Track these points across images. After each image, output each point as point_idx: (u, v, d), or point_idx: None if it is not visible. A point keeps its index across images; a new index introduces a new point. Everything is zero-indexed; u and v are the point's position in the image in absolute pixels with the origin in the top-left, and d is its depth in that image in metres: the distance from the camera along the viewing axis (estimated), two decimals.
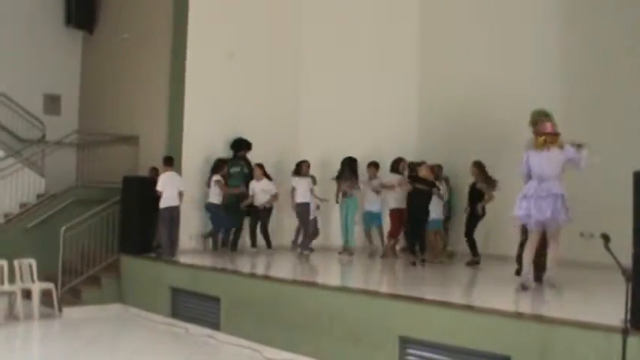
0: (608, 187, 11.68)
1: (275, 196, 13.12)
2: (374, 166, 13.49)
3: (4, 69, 14.98)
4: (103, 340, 10.09)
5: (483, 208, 11.84)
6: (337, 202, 13.51)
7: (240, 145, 13.72)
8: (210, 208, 13.01)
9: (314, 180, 13.51)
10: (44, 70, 15.92)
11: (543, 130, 8.92)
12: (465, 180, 12.80)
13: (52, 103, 16.32)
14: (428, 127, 14.92)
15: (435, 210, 12.51)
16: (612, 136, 12.13)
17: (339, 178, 13.39)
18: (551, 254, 8.96)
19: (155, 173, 12.83)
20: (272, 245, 13.16)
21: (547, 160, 8.78)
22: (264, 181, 13.12)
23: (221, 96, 13.55)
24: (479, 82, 14.01)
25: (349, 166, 13.32)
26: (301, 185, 13.05)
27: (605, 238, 5.24)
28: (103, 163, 14.14)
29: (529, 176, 8.90)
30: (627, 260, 5.70)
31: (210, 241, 13.40)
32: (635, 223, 6.08)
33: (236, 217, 13.30)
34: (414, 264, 11.74)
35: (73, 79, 16.79)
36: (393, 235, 13.11)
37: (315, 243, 13.60)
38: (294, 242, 13.90)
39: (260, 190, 13.04)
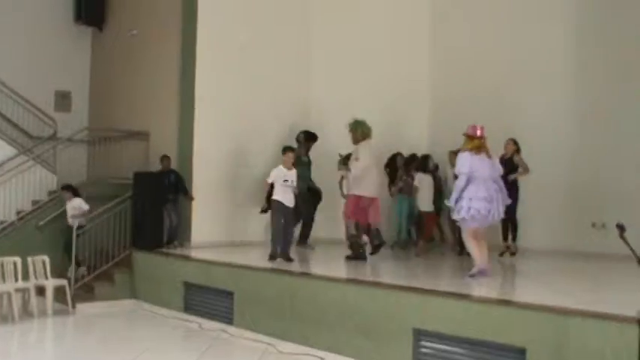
0: (619, 177, 11.69)
1: (85, 213, 12.47)
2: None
3: (15, 67, 14.95)
4: (116, 336, 10.09)
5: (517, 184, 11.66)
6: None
7: (307, 137, 13.55)
8: None
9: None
10: (54, 68, 15.94)
11: (475, 134, 9.36)
12: None
13: (63, 100, 16.35)
14: (439, 108, 15.00)
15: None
16: (623, 123, 12.14)
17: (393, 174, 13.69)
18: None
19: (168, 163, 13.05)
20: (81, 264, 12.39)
21: (485, 164, 9.24)
22: (77, 200, 12.72)
23: (232, 89, 13.54)
24: (490, 60, 14.08)
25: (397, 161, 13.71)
26: None
27: (621, 228, 5.22)
28: (114, 159, 14.17)
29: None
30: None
31: None
32: None
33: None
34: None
35: (83, 76, 16.83)
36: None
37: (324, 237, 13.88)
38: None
39: (71, 208, 12.64)
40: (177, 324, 10.78)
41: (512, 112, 13.41)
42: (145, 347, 9.21)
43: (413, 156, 13.67)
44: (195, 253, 12.16)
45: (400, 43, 15.18)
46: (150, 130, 14.14)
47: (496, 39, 14.08)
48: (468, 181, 9.07)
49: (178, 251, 12.44)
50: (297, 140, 13.42)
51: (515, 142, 11.91)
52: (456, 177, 9.64)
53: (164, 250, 12.49)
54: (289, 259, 10.89)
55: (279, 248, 10.89)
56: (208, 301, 10.77)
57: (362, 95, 14.50)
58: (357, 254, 11.14)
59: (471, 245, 9.32)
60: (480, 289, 8.61)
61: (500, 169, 9.51)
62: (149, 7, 14.80)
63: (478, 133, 9.36)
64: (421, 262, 11.55)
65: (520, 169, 11.67)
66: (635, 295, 5.18)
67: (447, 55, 15.10)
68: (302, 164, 12.78)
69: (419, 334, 7.57)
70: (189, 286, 11.22)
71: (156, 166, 13.24)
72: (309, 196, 13.08)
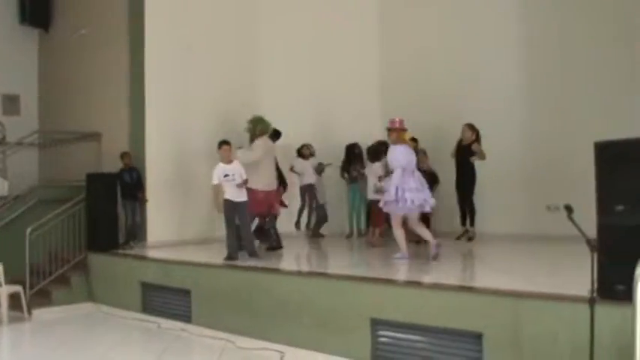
0: (570, 160, 11.82)
1: None
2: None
3: None
4: (74, 340, 9.93)
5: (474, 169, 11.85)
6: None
7: (270, 135, 12.50)
8: None
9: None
10: (1, 71, 15.64)
11: (394, 126, 9.96)
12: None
13: (11, 103, 16.04)
14: (389, 104, 14.96)
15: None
16: (573, 107, 12.29)
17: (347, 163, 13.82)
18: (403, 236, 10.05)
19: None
20: None
21: (410, 154, 9.89)
22: None
23: (182, 89, 13.45)
24: (441, 52, 14.27)
25: (354, 151, 13.82)
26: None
27: (568, 209, 5.27)
28: (66, 161, 14.04)
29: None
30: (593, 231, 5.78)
31: None
32: (598, 194, 6.12)
33: None
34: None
35: (31, 79, 16.53)
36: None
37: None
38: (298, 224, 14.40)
39: None
40: (136, 325, 10.69)
41: (465, 102, 13.51)
42: (104, 350, 9.12)
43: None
44: (151, 253, 12.09)
45: (349, 40, 15.26)
46: (101, 131, 13.95)
47: (446, 31, 14.28)
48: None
49: (134, 251, 12.36)
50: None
51: (472, 128, 12.02)
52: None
53: (120, 251, 12.40)
54: (254, 255, 10.72)
55: (245, 247, 10.73)
56: (166, 300, 10.70)
57: (311, 93, 14.57)
58: (274, 243, 11.73)
59: (399, 233, 9.89)
60: (436, 275, 8.65)
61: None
62: (95, 7, 14.61)
63: (397, 125, 9.92)
64: (376, 252, 11.55)
65: (476, 156, 11.74)
66: (586, 275, 5.21)
67: (396, 49, 15.21)
68: None
69: (377, 324, 7.59)
70: (146, 286, 11.14)
71: (108, 167, 13.10)
72: None
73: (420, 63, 14.59)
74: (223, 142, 10.84)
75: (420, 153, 12.85)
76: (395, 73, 15.12)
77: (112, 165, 13.01)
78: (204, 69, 13.86)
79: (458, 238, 11.96)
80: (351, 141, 13.99)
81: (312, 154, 14.32)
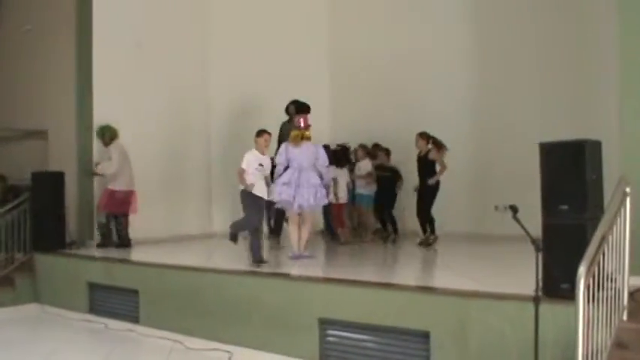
0: (518, 160, 11.96)
1: None
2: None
3: None
4: (18, 342, 9.73)
5: (438, 181, 11.55)
6: None
7: (299, 109, 11.91)
8: None
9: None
10: None
11: (297, 126, 10.32)
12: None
13: None
14: (340, 102, 15.18)
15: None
16: (520, 109, 12.46)
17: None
18: (307, 233, 10.43)
19: None
20: None
21: (305, 154, 10.16)
22: None
23: (131, 86, 13.29)
24: (388, 56, 14.34)
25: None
26: None
27: (513, 209, 5.34)
28: (11, 159, 13.76)
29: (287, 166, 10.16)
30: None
31: None
32: (543, 194, 6.21)
33: None
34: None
35: None
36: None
37: None
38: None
39: None
40: (82, 326, 10.55)
41: (414, 104, 13.66)
42: (49, 352, 8.97)
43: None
44: (97, 253, 11.94)
45: (299, 38, 15.29)
46: (48, 129, 13.71)
47: (394, 32, 14.31)
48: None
49: (81, 251, 12.17)
50: (287, 112, 12.32)
51: (423, 136, 11.62)
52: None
53: (66, 251, 12.19)
54: (263, 261, 9.76)
55: (255, 251, 9.82)
56: (113, 300, 10.58)
57: (262, 88, 14.53)
58: (105, 242, 12.53)
59: (290, 230, 10.35)
60: (384, 275, 8.71)
61: (324, 158, 10.41)
62: (42, 1, 14.35)
63: (302, 124, 10.27)
64: (332, 252, 11.57)
65: (435, 176, 11.50)
66: (531, 274, 5.28)
67: (345, 49, 15.29)
68: None
69: (325, 324, 7.62)
70: (93, 287, 10.98)
71: (55, 166, 12.89)
72: None
73: (369, 66, 14.66)
74: (265, 132, 10.12)
75: (379, 151, 13.03)
76: (344, 78, 15.22)
77: (58, 163, 12.81)
78: (155, 65, 13.74)
79: (420, 244, 11.80)
80: None
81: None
